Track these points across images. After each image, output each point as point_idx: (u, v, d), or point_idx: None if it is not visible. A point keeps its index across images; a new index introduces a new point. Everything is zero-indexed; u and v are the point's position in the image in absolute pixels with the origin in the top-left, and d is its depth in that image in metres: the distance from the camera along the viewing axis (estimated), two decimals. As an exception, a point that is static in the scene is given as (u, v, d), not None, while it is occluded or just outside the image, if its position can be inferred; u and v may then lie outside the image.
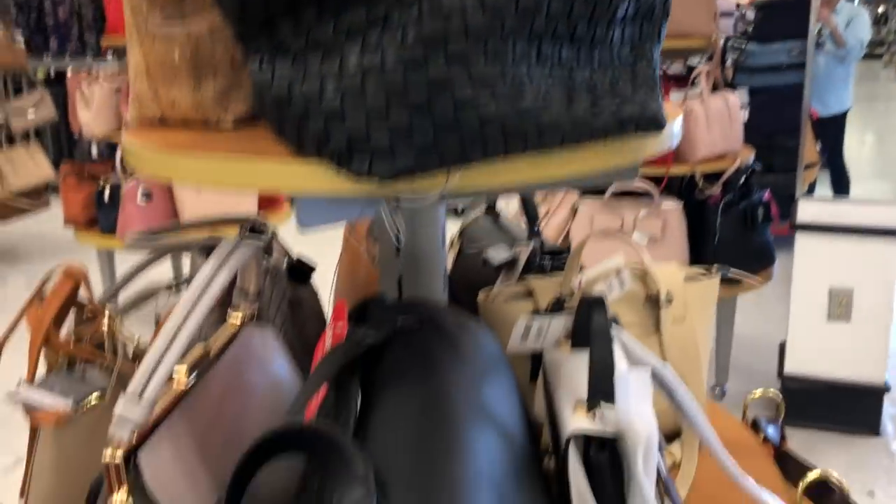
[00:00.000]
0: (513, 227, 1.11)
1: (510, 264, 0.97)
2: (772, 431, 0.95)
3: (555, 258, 0.97)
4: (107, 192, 2.94)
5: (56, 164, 3.70)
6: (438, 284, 0.84)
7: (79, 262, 0.79)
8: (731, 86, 2.51)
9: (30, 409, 0.69)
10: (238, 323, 0.72)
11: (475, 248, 1.06)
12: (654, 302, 0.90)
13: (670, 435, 0.89)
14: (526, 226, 1.08)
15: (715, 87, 2.42)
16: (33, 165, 3.83)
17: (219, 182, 0.61)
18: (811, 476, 0.80)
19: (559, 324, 0.78)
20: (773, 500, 0.76)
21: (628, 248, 0.93)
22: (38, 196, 3.94)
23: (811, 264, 2.35)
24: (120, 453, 0.53)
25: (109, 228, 2.94)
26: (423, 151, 0.53)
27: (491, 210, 1.15)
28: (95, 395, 0.67)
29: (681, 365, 0.89)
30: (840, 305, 2.30)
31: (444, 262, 0.84)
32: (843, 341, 2.33)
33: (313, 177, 0.56)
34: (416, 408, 0.55)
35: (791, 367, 2.40)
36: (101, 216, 2.96)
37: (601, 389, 0.67)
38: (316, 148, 0.55)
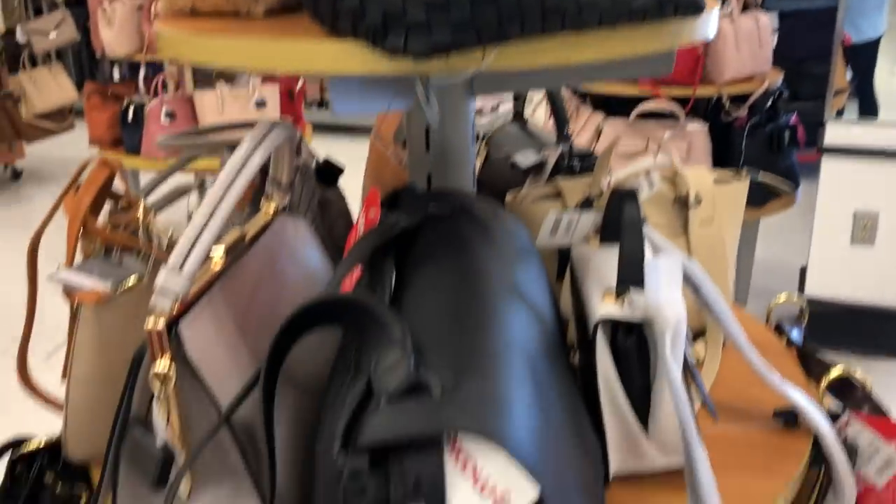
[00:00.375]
0: (541, 133, 1.11)
1: (538, 167, 0.97)
2: (795, 334, 0.96)
3: (584, 160, 0.96)
4: (130, 112, 2.94)
5: (79, 85, 3.70)
6: (468, 181, 0.85)
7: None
8: (762, 7, 2.45)
9: (69, 291, 0.71)
10: (271, 212, 0.73)
11: (503, 154, 1.06)
12: (682, 203, 0.90)
13: (694, 334, 0.90)
14: (554, 131, 1.07)
15: (745, 7, 2.37)
16: (56, 87, 3.83)
17: (253, 63, 0.61)
18: (834, 372, 0.81)
19: (588, 219, 0.78)
20: (797, 394, 0.77)
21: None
22: (62, 118, 3.95)
23: (836, 187, 2.32)
24: (162, 321, 0.54)
25: (134, 148, 2.95)
26: (459, 27, 0.53)
27: (518, 117, 1.14)
28: (134, 277, 0.69)
29: (707, 266, 0.89)
30: (864, 229, 2.29)
31: (474, 160, 0.84)
32: (866, 265, 2.33)
33: (348, 56, 0.56)
34: (449, 282, 0.56)
35: (812, 291, 2.40)
36: (125, 136, 2.97)
37: (631, 276, 0.67)
38: (351, 25, 0.55)
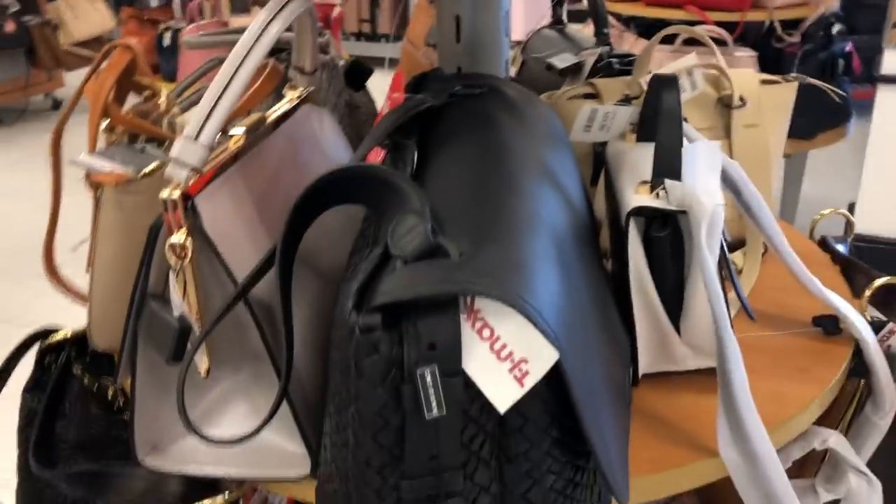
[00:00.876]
0: (579, 36, 1.06)
1: (575, 69, 0.93)
2: (841, 248, 0.92)
3: (623, 62, 0.92)
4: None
5: (115, 12, 3.68)
6: (500, 74, 0.81)
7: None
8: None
9: (91, 176, 0.70)
10: (295, 98, 0.71)
11: (539, 58, 1.02)
12: (725, 105, 0.86)
13: (733, 245, 0.87)
14: (594, 35, 1.03)
15: (801, -73, 2.25)
16: (94, 13, 3.82)
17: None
18: (878, 282, 0.78)
19: (625, 113, 0.75)
20: (839, 301, 0.74)
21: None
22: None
23: (891, 119, 2.23)
24: (178, 193, 0.52)
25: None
26: None
27: (557, 22, 1.10)
28: (155, 162, 0.67)
29: (750, 172, 0.85)
30: (918, 162, 2.20)
31: (507, 52, 0.81)
32: (917, 201, 2.24)
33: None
34: (474, 156, 0.53)
35: (860, 227, 2.33)
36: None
37: (666, 166, 0.64)
38: None
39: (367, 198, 0.51)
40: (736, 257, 0.87)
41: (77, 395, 0.81)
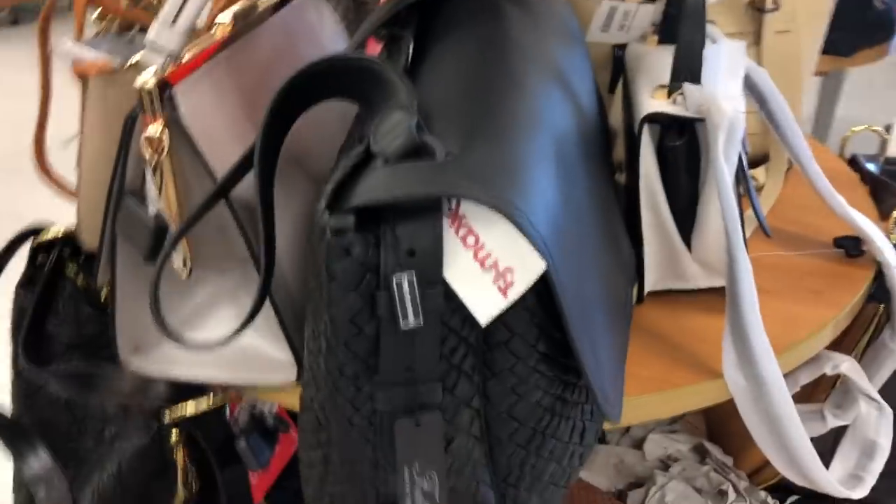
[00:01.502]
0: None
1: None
2: (872, 168, 0.87)
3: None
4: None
5: None
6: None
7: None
8: None
9: (76, 66, 0.66)
10: (290, -13, 0.66)
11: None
12: (757, 8, 0.80)
13: (755, 160, 0.82)
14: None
15: None
16: None
17: None
18: (909, 203, 0.73)
19: (646, 13, 0.69)
20: (863, 221, 0.70)
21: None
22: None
23: (936, 37, 2.12)
24: (153, 81, 0.49)
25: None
26: None
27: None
28: (142, 52, 0.63)
29: (779, 82, 0.80)
30: (961, 83, 2.10)
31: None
32: (957, 124, 2.15)
33: None
34: (474, 49, 0.49)
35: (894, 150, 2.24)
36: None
37: (686, 70, 0.59)
38: None
39: (354, 91, 0.47)
40: (758, 173, 0.82)
41: (70, 294, 0.79)
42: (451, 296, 0.38)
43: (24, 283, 0.79)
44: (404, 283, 0.37)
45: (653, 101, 0.60)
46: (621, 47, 0.74)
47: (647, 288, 0.65)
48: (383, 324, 0.38)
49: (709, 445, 0.86)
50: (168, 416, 0.62)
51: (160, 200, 0.52)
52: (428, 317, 0.38)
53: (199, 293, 0.57)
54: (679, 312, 0.65)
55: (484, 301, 0.38)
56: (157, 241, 0.51)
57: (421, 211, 0.38)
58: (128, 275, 0.56)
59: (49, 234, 0.79)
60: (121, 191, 0.54)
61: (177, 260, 0.55)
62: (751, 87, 0.68)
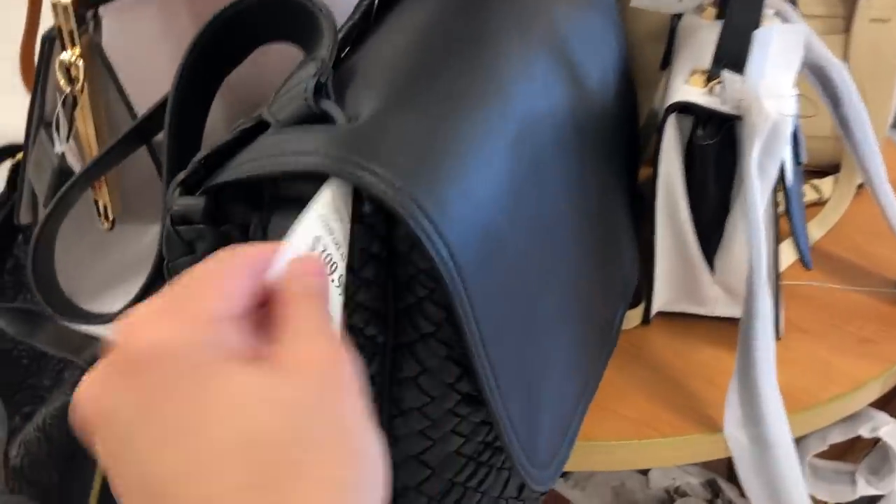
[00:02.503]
0: None
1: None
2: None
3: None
4: None
5: None
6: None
7: None
8: None
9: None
10: None
11: None
12: (852, -10, 0.67)
13: (826, 168, 0.70)
14: None
15: None
16: None
17: None
18: None
19: (705, -22, 0.58)
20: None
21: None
22: None
23: None
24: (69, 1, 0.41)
25: None
26: None
27: None
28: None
29: (865, 80, 0.67)
30: None
31: None
32: None
33: None
34: (452, 3, 0.39)
35: None
36: None
37: (730, 55, 0.48)
38: None
39: (292, 34, 0.39)
40: (824, 184, 0.70)
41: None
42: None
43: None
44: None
45: (686, 88, 0.50)
46: (679, 17, 0.63)
47: (657, 308, 0.55)
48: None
49: (723, 484, 0.76)
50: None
51: (69, 139, 0.44)
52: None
53: (122, 250, 0.50)
54: (689, 342, 0.55)
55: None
56: (59, 185, 0.44)
57: (295, 200, 0.29)
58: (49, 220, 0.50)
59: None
60: (39, 121, 0.47)
61: (96, 208, 0.48)
62: (825, 83, 0.56)
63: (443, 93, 0.33)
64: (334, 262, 0.28)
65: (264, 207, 0.30)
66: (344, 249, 0.29)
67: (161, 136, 0.43)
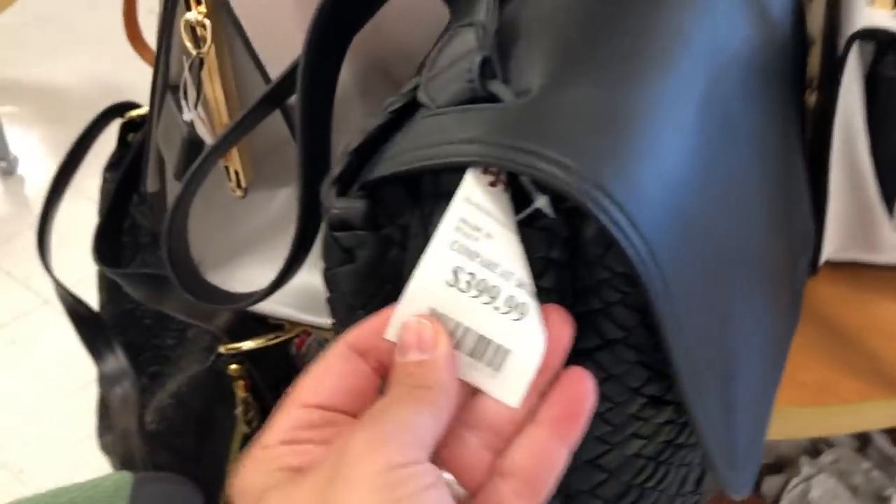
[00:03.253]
0: None
1: None
2: None
3: None
4: None
5: None
6: None
7: None
8: None
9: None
10: None
11: None
12: None
13: None
14: None
15: None
16: None
17: None
18: None
19: None
20: None
21: None
22: None
23: None
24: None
25: None
26: None
27: None
28: None
29: None
30: None
31: None
32: None
33: None
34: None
35: None
36: None
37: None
38: None
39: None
40: None
41: (159, 179, 0.73)
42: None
43: (112, 166, 0.73)
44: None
45: (869, 11, 0.43)
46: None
47: (825, 256, 0.50)
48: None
49: (876, 434, 0.71)
50: (225, 349, 0.55)
51: (198, 107, 0.42)
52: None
53: (249, 217, 0.48)
54: (863, 294, 0.49)
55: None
56: (189, 156, 0.42)
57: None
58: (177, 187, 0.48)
59: (140, 111, 0.72)
60: (164, 86, 0.44)
61: (230, 177, 0.45)
62: None
63: (623, 51, 0.28)
64: (491, 286, 0.25)
65: (424, 204, 0.26)
66: (511, 263, 0.25)
67: (293, 99, 0.40)
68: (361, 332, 0.26)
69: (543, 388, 0.26)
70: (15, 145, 1.67)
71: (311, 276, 0.47)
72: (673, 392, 0.30)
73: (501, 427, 0.26)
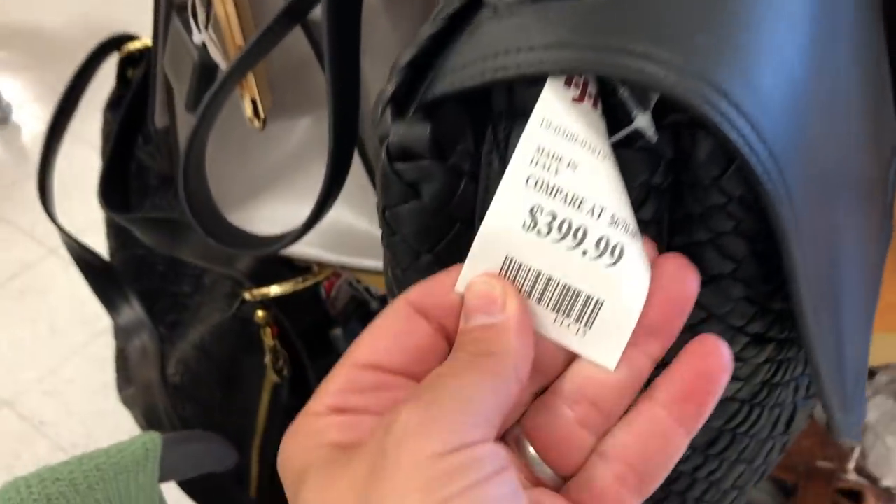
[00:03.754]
0: None
1: None
2: None
3: None
4: None
5: None
6: None
7: None
8: None
9: None
10: None
11: None
12: None
13: None
14: None
15: None
16: None
17: None
18: None
19: None
20: None
21: None
22: None
23: None
24: None
25: None
26: None
27: None
28: None
29: None
30: None
31: None
32: None
33: None
34: None
35: None
36: None
37: None
38: None
39: None
40: None
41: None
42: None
43: (112, 105, 0.69)
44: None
45: None
46: None
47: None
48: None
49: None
50: (250, 295, 0.51)
51: (208, 29, 0.37)
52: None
53: (269, 149, 0.44)
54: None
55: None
56: (201, 83, 0.37)
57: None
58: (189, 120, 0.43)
59: (137, 44, 0.67)
60: (169, 6, 0.39)
61: (246, 106, 0.41)
62: None
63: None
64: (576, 227, 0.21)
65: (497, 125, 0.22)
66: (601, 196, 0.21)
67: (317, 13, 0.35)
68: (425, 289, 0.22)
69: (658, 354, 0.22)
70: (7, 93, 1.62)
71: (339, 213, 0.44)
72: (776, 328, 0.27)
73: (602, 399, 0.22)
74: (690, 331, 0.25)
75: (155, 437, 0.39)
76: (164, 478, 0.41)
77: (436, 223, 0.22)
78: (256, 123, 0.41)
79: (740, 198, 0.22)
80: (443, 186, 0.22)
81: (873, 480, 0.59)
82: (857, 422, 0.29)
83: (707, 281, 0.24)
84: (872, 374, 0.68)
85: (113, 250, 0.72)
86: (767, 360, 0.27)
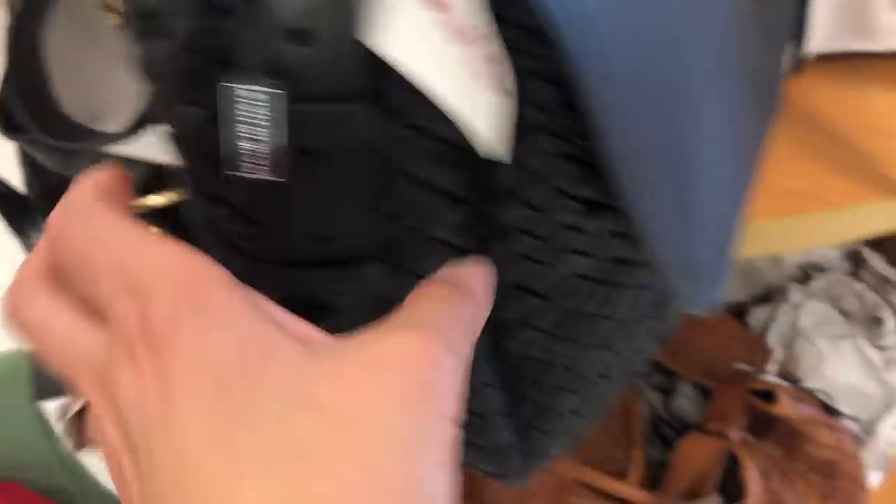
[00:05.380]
0: None
1: None
2: None
3: None
4: None
5: None
6: None
7: None
8: None
9: None
10: None
11: None
12: None
13: None
14: None
15: None
16: None
17: None
18: None
19: None
20: None
21: None
22: None
23: None
24: None
25: None
26: None
27: None
28: None
29: None
30: None
31: None
32: None
33: None
34: None
35: None
36: None
37: None
38: None
39: None
40: None
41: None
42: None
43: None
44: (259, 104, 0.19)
45: None
46: None
47: (813, 50, 0.44)
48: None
49: (868, 253, 0.66)
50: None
51: None
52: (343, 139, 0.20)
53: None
54: (856, 88, 0.43)
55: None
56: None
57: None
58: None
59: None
60: None
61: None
62: None
63: None
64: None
65: None
66: None
67: None
68: None
69: None
70: None
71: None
72: (611, 195, 0.25)
73: None
74: (516, 196, 0.23)
75: (22, 353, 0.38)
76: (40, 396, 0.39)
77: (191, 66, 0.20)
78: (111, 18, 0.38)
79: (533, 28, 0.19)
80: (193, 23, 0.19)
81: (793, 381, 0.58)
82: (713, 294, 0.27)
83: (521, 137, 0.22)
84: (808, 279, 0.67)
85: (28, 180, 0.69)
86: (613, 233, 0.26)
